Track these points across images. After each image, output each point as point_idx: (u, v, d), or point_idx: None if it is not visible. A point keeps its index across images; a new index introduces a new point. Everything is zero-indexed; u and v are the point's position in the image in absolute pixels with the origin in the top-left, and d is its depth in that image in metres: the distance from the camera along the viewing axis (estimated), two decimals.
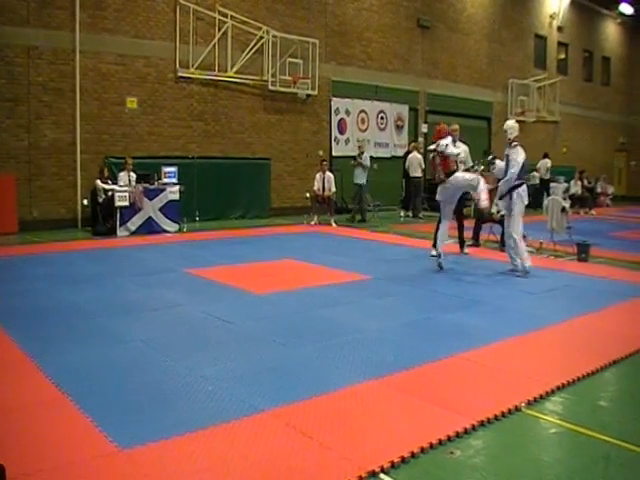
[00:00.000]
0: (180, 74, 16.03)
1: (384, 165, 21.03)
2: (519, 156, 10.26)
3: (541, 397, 4.89)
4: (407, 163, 18.98)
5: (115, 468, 3.62)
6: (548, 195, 18.91)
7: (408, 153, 19.55)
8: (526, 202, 10.27)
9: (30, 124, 13.79)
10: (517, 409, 4.65)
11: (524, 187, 10.31)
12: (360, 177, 17.37)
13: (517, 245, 9.91)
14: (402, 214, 19.12)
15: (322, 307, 7.59)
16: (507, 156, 10.47)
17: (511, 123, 10.86)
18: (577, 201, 22.48)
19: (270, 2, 17.91)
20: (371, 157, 20.81)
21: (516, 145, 10.51)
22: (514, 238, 9.93)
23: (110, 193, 13.64)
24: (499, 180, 19.05)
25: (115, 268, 9.83)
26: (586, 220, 19.63)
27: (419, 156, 19.03)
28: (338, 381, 5.05)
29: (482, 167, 11.70)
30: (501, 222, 12.54)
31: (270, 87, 17.59)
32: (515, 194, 10.08)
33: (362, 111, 20.69)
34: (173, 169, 14.62)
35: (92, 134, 14.69)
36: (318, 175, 16.50)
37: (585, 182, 24.00)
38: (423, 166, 19.08)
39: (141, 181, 14.12)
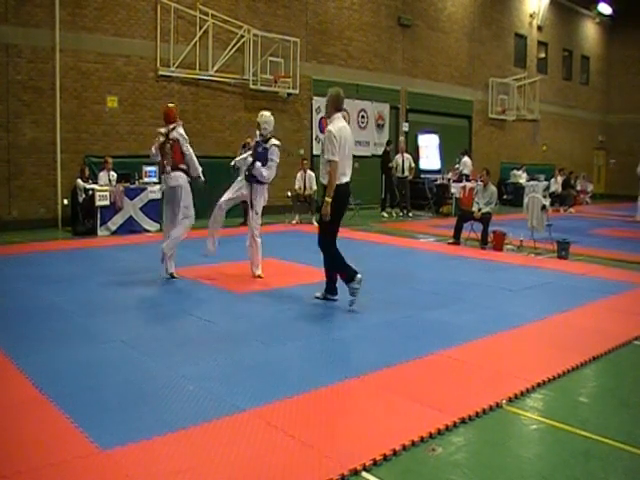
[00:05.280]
0: (161, 73, 15.94)
1: (365, 164, 21.07)
2: (277, 157, 8.99)
3: (522, 394, 4.92)
4: (394, 163, 18.98)
5: (96, 469, 3.60)
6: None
7: (387, 153, 19.56)
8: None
9: (9, 123, 13.65)
10: (498, 406, 4.68)
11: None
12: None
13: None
14: (385, 214, 19.06)
15: (303, 305, 7.59)
16: (260, 152, 8.92)
17: (267, 115, 9.05)
18: (557, 199, 22.66)
19: (251, 1, 17.85)
20: (352, 155, 20.89)
21: (273, 144, 8.97)
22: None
23: (90, 192, 13.55)
24: (461, 176, 18.82)
25: (95, 268, 9.77)
26: (566, 218, 19.78)
27: (409, 156, 19.29)
28: (319, 380, 5.05)
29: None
30: (482, 220, 12.63)
31: (251, 86, 17.55)
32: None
33: (343, 110, 20.64)
34: (154, 168, 14.52)
35: (72, 133, 14.57)
36: (299, 174, 16.49)
37: (564, 177, 24.12)
38: (413, 165, 19.37)
39: (121, 180, 14.05)
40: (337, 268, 7.55)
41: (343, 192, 7.42)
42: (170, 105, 9.56)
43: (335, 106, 7.59)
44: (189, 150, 8.93)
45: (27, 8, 13.73)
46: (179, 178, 8.80)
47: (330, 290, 7.76)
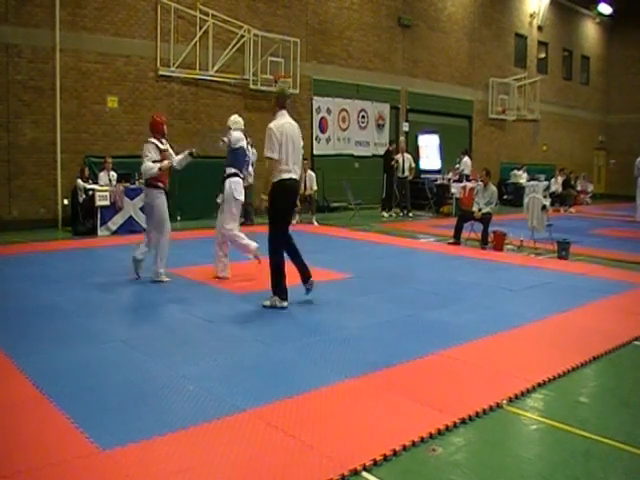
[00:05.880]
0: (161, 73, 15.95)
1: (365, 164, 21.12)
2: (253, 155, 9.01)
3: (522, 394, 4.92)
4: (395, 163, 18.96)
5: (96, 469, 3.60)
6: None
7: (389, 152, 19.57)
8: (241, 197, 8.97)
9: (9, 123, 13.65)
10: (498, 406, 4.68)
11: (237, 179, 9.01)
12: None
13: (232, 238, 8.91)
14: (385, 214, 19.05)
15: (303, 305, 7.58)
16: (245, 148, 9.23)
17: (233, 118, 9.40)
18: (557, 199, 22.65)
19: (251, 1, 17.86)
20: (352, 156, 20.95)
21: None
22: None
23: (90, 192, 13.55)
24: (461, 176, 18.73)
25: (95, 268, 9.77)
26: (566, 218, 19.77)
27: (409, 156, 19.34)
28: (319, 380, 5.05)
29: None
30: (482, 220, 12.63)
31: (251, 86, 17.55)
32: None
33: (343, 110, 20.69)
34: None
35: (72, 133, 14.57)
36: None
37: (564, 177, 24.09)
38: (413, 165, 19.43)
39: (122, 180, 14.05)
40: (273, 275, 7.39)
41: (287, 188, 7.35)
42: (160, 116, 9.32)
43: (279, 103, 7.60)
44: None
45: (27, 8, 13.73)
46: (150, 194, 8.77)
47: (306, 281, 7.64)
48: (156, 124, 8.86)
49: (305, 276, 7.64)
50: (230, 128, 9.06)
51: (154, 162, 8.60)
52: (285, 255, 7.51)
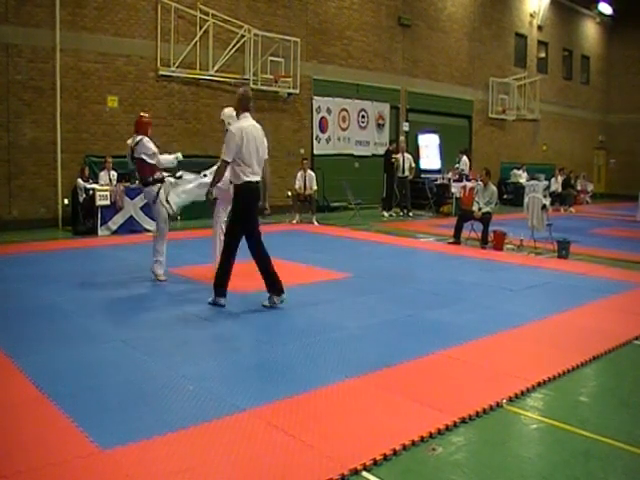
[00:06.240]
0: (161, 73, 15.94)
1: (365, 163, 21.11)
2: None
3: (522, 393, 4.92)
4: (395, 163, 18.95)
5: (96, 468, 3.60)
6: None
7: (389, 152, 19.57)
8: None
9: (9, 123, 13.64)
10: (498, 405, 4.68)
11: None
12: None
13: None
14: (385, 214, 19.03)
15: (303, 305, 7.58)
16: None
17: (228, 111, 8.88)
18: (557, 198, 22.65)
19: (251, 1, 17.85)
20: (352, 155, 20.95)
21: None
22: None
23: (91, 192, 13.55)
24: (461, 175, 18.61)
25: (95, 268, 9.77)
26: (566, 217, 19.78)
27: (409, 156, 19.35)
28: (319, 379, 5.05)
29: None
30: (482, 220, 12.63)
31: (251, 86, 17.53)
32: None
33: (343, 109, 20.68)
34: None
35: (72, 133, 14.57)
36: (299, 173, 16.48)
37: (564, 176, 24.08)
38: (413, 165, 19.46)
39: (122, 180, 14.06)
40: (219, 272, 7.34)
41: (249, 190, 7.27)
42: (142, 114, 9.33)
43: (241, 105, 7.47)
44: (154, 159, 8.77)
45: (27, 8, 13.73)
46: (147, 194, 8.83)
47: (274, 290, 7.38)
48: (143, 124, 8.87)
49: (276, 289, 7.39)
50: (229, 124, 8.88)
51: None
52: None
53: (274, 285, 7.34)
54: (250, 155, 7.24)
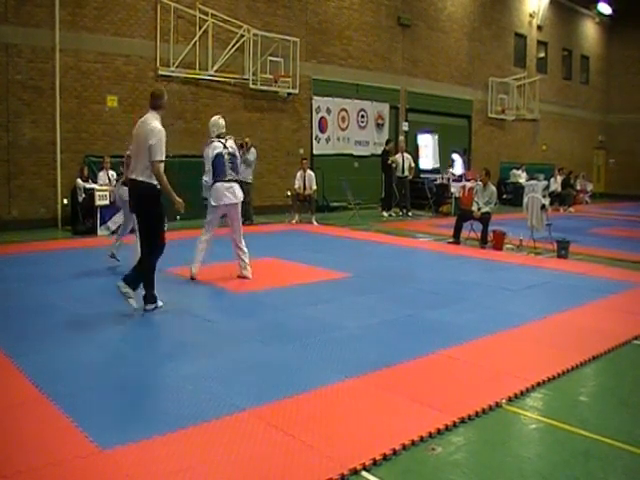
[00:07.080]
0: (161, 72, 15.94)
1: (364, 163, 21.12)
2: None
3: (521, 393, 4.92)
4: (394, 163, 18.93)
5: (96, 468, 3.60)
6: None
7: (386, 152, 19.53)
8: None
9: (9, 123, 13.64)
10: (498, 405, 4.68)
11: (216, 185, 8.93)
12: (247, 175, 15.10)
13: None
14: (385, 214, 19.02)
15: (303, 305, 7.59)
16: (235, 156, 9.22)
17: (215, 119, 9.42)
18: (556, 198, 22.66)
19: (251, 1, 17.86)
20: (352, 155, 20.95)
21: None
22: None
23: (90, 192, 13.55)
24: (460, 175, 18.59)
25: (94, 267, 9.76)
26: (565, 217, 19.78)
27: (409, 156, 19.37)
28: (319, 379, 5.05)
29: None
30: (482, 219, 12.63)
31: (251, 85, 17.55)
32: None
33: (343, 109, 20.69)
34: None
35: (72, 133, 14.57)
36: (299, 173, 16.47)
37: (564, 176, 24.07)
38: (413, 165, 19.48)
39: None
40: (146, 278, 7.10)
41: (130, 188, 7.20)
42: None
43: (150, 104, 7.42)
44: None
45: (27, 8, 13.73)
46: None
47: (149, 298, 7.14)
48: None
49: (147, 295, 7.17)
50: (209, 137, 8.83)
51: None
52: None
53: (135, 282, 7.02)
54: (134, 152, 7.17)
